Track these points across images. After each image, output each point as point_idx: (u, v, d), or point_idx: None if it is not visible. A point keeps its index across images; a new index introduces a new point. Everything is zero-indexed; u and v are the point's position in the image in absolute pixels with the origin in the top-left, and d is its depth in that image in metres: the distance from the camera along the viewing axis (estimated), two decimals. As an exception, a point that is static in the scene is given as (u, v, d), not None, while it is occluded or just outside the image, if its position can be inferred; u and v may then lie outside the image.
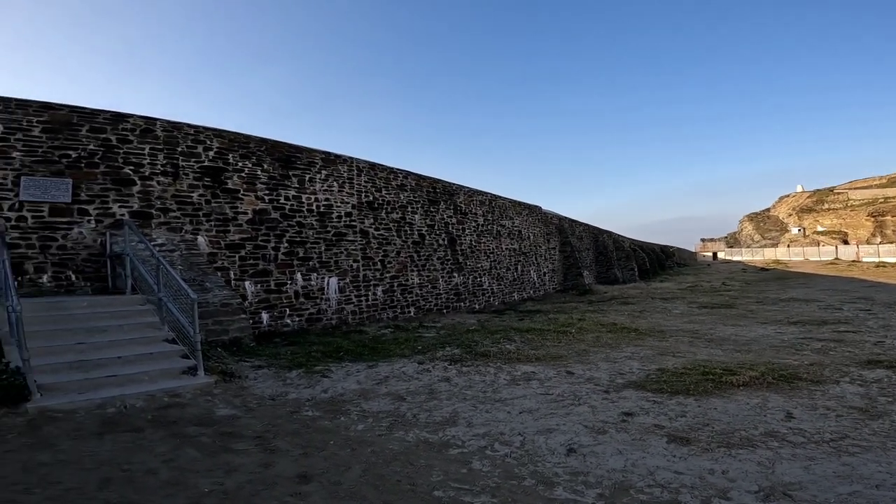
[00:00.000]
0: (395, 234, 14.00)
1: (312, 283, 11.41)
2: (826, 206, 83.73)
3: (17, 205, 7.88)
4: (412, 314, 13.89)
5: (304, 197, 11.65)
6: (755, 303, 16.13)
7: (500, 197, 20.47)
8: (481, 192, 18.98)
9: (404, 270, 14.04)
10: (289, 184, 11.38)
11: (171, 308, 6.67)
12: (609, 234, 37.00)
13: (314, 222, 11.75)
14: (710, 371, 6.38)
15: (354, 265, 12.52)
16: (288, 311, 10.78)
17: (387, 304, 13.25)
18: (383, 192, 13.89)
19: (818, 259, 56.03)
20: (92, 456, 3.72)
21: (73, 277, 8.25)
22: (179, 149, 9.71)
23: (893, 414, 4.75)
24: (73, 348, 5.90)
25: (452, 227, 16.58)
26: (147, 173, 9.23)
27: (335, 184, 12.45)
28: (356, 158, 13.21)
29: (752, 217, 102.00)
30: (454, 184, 17.28)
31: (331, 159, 12.47)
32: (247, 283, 10.18)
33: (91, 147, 8.67)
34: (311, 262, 11.48)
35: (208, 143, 10.14)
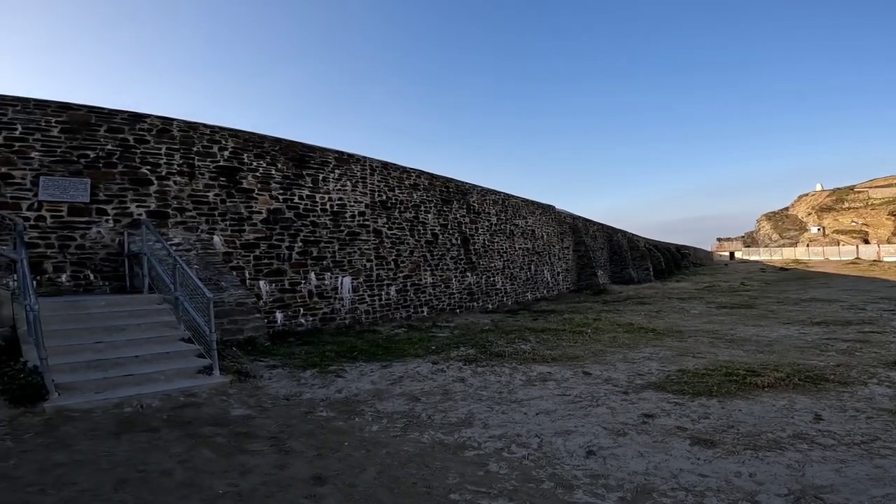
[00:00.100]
0: (408, 233, 13.96)
1: (326, 282, 11.42)
2: (846, 204, 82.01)
3: (35, 204, 7.98)
4: (425, 314, 13.84)
5: (317, 196, 11.66)
6: (776, 303, 15.79)
7: (513, 196, 20.34)
8: (494, 191, 18.87)
9: (417, 270, 14.00)
10: (302, 183, 11.40)
11: (187, 307, 6.69)
12: (623, 233, 36.61)
13: (328, 222, 11.76)
14: (733, 372, 6.23)
15: (368, 265, 12.51)
16: (302, 311, 10.80)
17: (400, 303, 13.22)
18: (396, 191, 13.87)
19: (838, 259, 54.95)
20: (108, 456, 3.71)
21: (92, 277, 8.34)
22: (195, 148, 9.77)
23: (926, 417, 4.58)
24: (92, 347, 5.94)
25: (465, 227, 16.50)
26: (164, 173, 9.31)
27: (348, 183, 12.44)
28: (369, 158, 13.20)
29: (771, 216, 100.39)
30: (467, 183, 17.20)
31: (344, 158, 12.48)
32: (261, 283, 10.22)
33: (109, 147, 8.76)
34: (324, 262, 11.49)
35: (223, 142, 10.19)
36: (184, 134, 9.67)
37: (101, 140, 8.70)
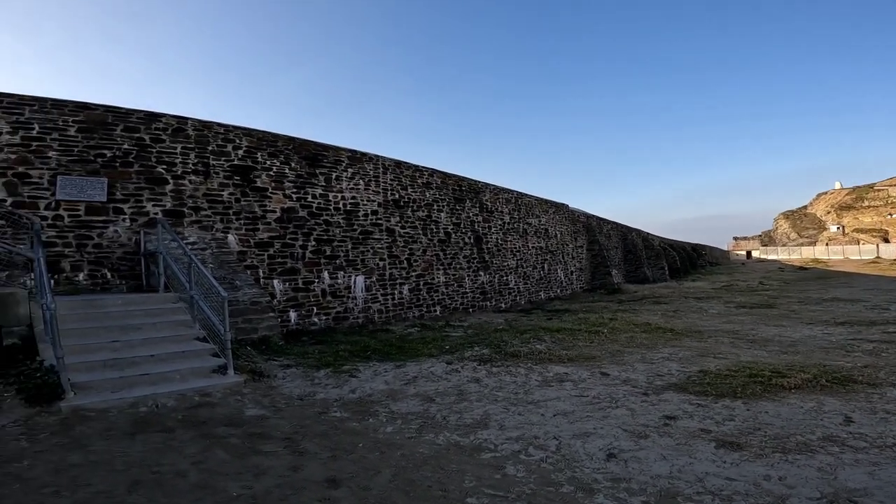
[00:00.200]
0: (420, 232, 13.90)
1: (339, 281, 11.40)
2: (866, 203, 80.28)
3: (53, 203, 8.05)
4: (438, 313, 13.77)
5: (330, 195, 11.65)
6: (797, 303, 15.45)
7: (527, 195, 20.17)
8: (507, 189, 18.72)
9: (430, 269, 13.93)
10: (316, 182, 11.40)
11: (202, 306, 6.69)
12: (638, 232, 36.19)
13: (341, 220, 11.75)
14: (758, 373, 6.07)
15: (380, 264, 12.47)
16: (315, 310, 10.79)
17: (413, 302, 13.16)
18: (409, 190, 13.81)
19: (858, 258, 53.85)
20: (123, 457, 3.69)
21: (109, 275, 8.40)
22: (210, 148, 9.81)
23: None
24: (108, 346, 5.95)
25: (478, 226, 16.39)
26: (179, 172, 9.35)
27: (361, 182, 12.41)
28: (382, 156, 13.16)
29: (789, 215, 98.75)
30: (480, 181, 17.08)
31: (357, 157, 12.45)
32: (275, 282, 10.23)
33: (125, 146, 8.82)
34: (337, 261, 11.47)
35: (237, 141, 10.22)
36: (198, 133, 9.71)
37: (118, 139, 8.77)
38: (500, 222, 17.66)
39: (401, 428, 4.58)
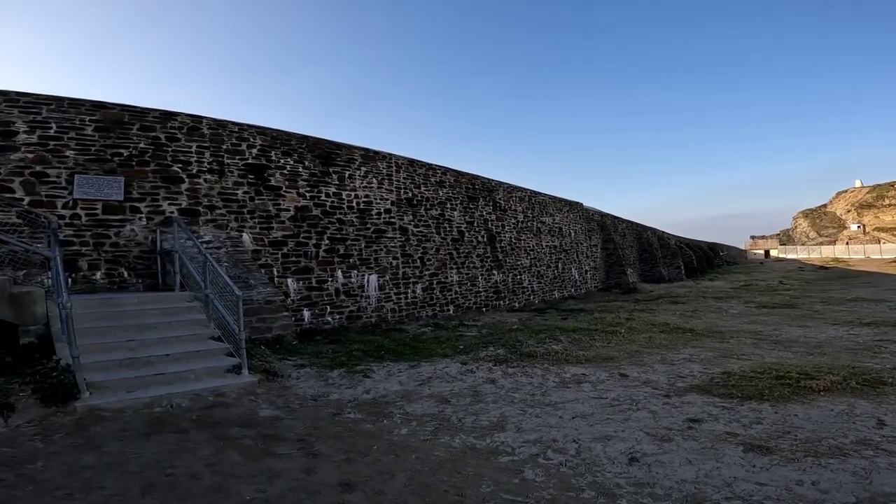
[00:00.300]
0: (434, 231, 13.81)
1: (353, 280, 11.36)
2: (887, 201, 78.35)
3: (71, 202, 8.11)
4: (451, 312, 13.67)
5: (344, 194, 11.61)
6: (819, 303, 15.06)
7: (540, 193, 19.98)
8: (521, 188, 18.55)
9: (443, 268, 13.84)
10: (329, 180, 11.37)
11: (217, 305, 6.68)
12: (653, 230, 35.72)
13: (354, 219, 11.71)
14: (785, 375, 5.90)
15: (394, 262, 12.41)
16: (329, 309, 10.77)
17: (426, 301, 13.08)
18: (422, 188, 13.73)
19: (880, 257, 52.59)
20: (137, 458, 3.65)
21: (126, 274, 8.45)
22: (224, 146, 9.82)
23: None
24: (125, 345, 5.96)
25: (492, 224, 16.26)
26: (194, 171, 9.37)
27: (374, 180, 12.36)
28: (395, 155, 13.09)
29: (808, 213, 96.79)
30: (493, 180, 16.94)
31: (370, 156, 12.40)
32: (289, 281, 10.22)
33: (142, 145, 8.86)
34: (351, 260, 11.43)
35: (252, 140, 10.22)
36: (213, 132, 9.73)
37: (134, 138, 8.81)
38: (513, 221, 17.51)
39: (416, 430, 4.49)
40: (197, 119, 9.58)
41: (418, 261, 13.09)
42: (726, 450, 3.88)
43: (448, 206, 14.50)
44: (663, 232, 39.93)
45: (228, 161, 9.83)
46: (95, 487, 3.16)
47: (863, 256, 57.32)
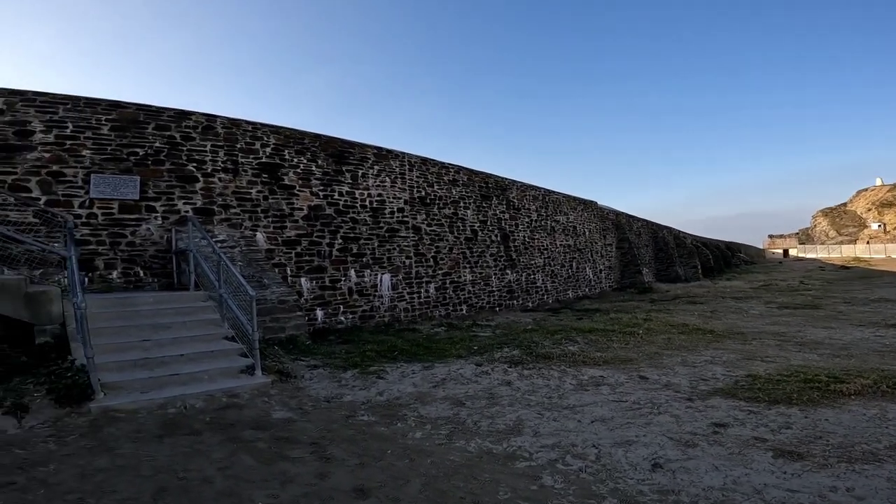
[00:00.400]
0: (447, 230, 13.71)
1: (366, 279, 11.31)
2: (909, 199, 76.44)
3: (87, 202, 8.16)
4: (464, 312, 13.56)
5: (357, 192, 11.56)
6: (842, 303, 14.68)
7: (554, 192, 19.78)
8: (534, 186, 18.37)
9: (456, 267, 13.74)
10: (342, 179, 11.33)
11: (230, 305, 6.65)
12: (669, 229, 35.22)
13: (367, 218, 11.65)
14: (813, 378, 5.70)
15: (407, 262, 12.33)
16: (342, 308, 10.73)
17: (439, 301, 12.99)
18: (435, 187, 13.63)
19: (901, 256, 51.31)
20: (150, 461, 3.60)
21: (141, 273, 8.49)
22: (238, 145, 9.83)
23: None
24: (139, 345, 5.95)
25: (505, 223, 16.11)
26: (209, 170, 9.39)
27: (387, 179, 12.30)
28: (407, 153, 13.02)
29: (827, 212, 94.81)
30: (506, 178, 16.79)
31: (383, 154, 12.34)
32: (302, 280, 10.20)
33: (157, 144, 8.90)
34: (364, 259, 11.38)
35: (265, 139, 10.22)
36: (227, 131, 9.74)
37: (150, 138, 8.85)
38: (527, 220, 17.34)
39: (430, 434, 4.40)
40: (211, 118, 9.59)
41: (431, 260, 13.00)
42: (755, 455, 3.75)
43: (461, 204, 14.39)
44: (679, 231, 39.37)
45: (242, 160, 9.83)
46: (108, 492, 3.11)
47: (884, 256, 56.05)
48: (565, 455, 3.88)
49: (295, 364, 6.84)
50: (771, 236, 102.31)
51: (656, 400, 5.23)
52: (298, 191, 10.53)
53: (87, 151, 8.26)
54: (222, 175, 9.53)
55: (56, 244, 7.03)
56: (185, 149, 9.18)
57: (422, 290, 12.57)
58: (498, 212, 15.88)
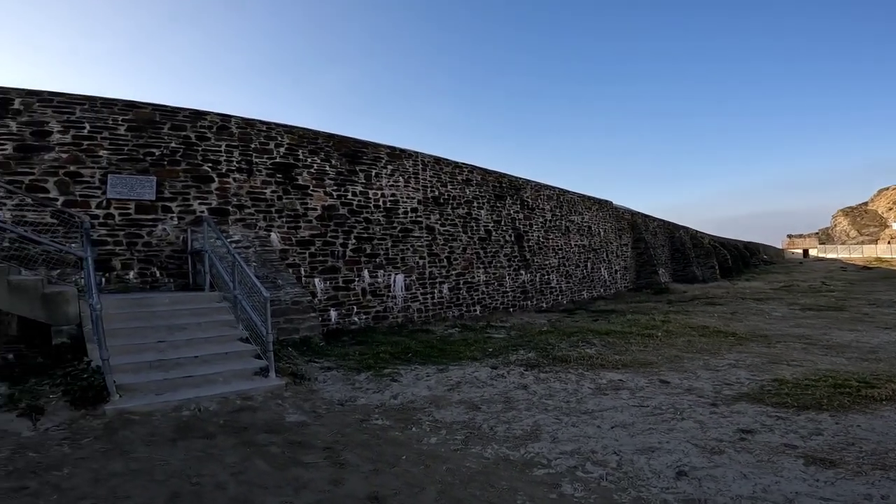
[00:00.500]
0: (460, 230, 13.61)
1: (379, 280, 11.26)
2: (932, 199, 74.37)
3: (104, 202, 8.21)
4: (478, 312, 13.45)
5: (370, 192, 11.52)
6: (867, 305, 14.26)
7: (569, 191, 19.55)
8: (549, 186, 18.17)
9: (470, 267, 13.62)
10: (356, 179, 11.29)
11: (245, 306, 6.62)
12: (686, 229, 34.66)
13: (381, 218, 11.60)
14: (843, 383, 5.52)
15: (420, 262, 12.26)
16: (355, 309, 10.68)
17: (452, 301, 12.89)
18: (448, 186, 13.54)
19: (925, 256, 49.93)
20: (163, 465, 3.56)
21: (158, 273, 8.53)
22: (253, 145, 9.83)
23: None
24: (155, 346, 5.93)
25: (519, 223, 15.95)
26: (224, 170, 9.41)
27: (401, 179, 12.23)
28: (421, 153, 12.94)
29: (848, 212, 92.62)
30: (520, 178, 16.63)
31: (396, 154, 12.27)
32: (316, 280, 10.17)
33: (173, 145, 8.93)
34: (377, 259, 11.33)
35: (279, 139, 10.21)
36: (242, 131, 9.75)
37: (165, 138, 8.88)
38: (541, 220, 17.16)
39: (445, 439, 4.31)
40: (226, 118, 9.61)
41: (445, 260, 12.91)
42: (785, 463, 3.62)
43: (475, 204, 14.28)
44: (696, 230, 38.73)
45: (257, 160, 9.84)
46: (121, 497, 3.07)
47: (905, 256, 54.61)
48: (585, 462, 3.78)
49: (309, 366, 6.79)
50: (790, 236, 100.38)
51: (679, 405, 5.08)
52: (312, 191, 10.51)
53: (104, 152, 8.30)
54: (237, 175, 9.55)
55: (73, 245, 7.07)
56: (200, 149, 9.20)
57: (435, 291, 12.49)
58: (512, 212, 15.73)
